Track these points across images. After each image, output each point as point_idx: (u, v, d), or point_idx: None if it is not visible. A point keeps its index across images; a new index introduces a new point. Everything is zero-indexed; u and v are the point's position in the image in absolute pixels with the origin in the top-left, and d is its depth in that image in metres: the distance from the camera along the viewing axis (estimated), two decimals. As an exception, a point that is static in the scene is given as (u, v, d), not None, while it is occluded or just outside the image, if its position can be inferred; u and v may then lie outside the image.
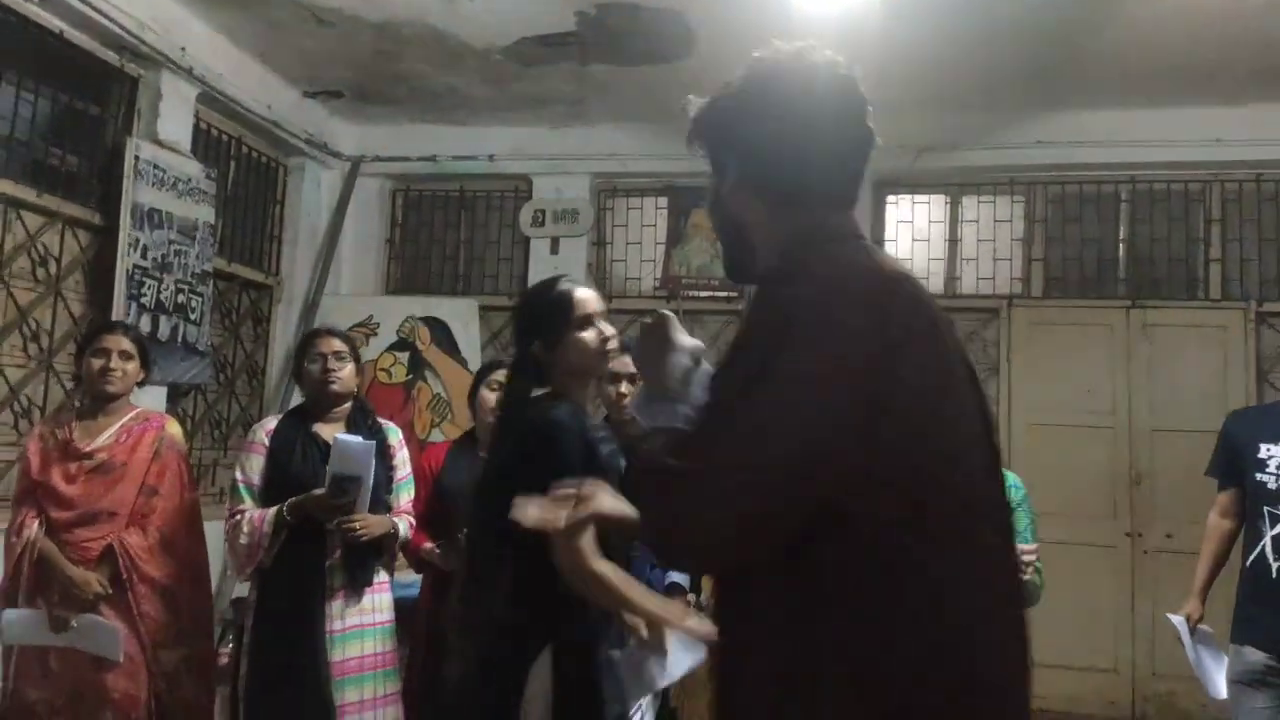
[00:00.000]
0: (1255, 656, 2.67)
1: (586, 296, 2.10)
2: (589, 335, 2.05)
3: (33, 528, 2.57)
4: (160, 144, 4.51)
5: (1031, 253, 5.52)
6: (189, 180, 4.66)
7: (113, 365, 2.76)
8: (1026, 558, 2.02)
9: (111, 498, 2.66)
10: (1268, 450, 2.77)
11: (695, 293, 5.81)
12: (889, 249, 5.62)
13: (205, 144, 5.03)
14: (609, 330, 2.11)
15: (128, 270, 4.30)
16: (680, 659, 1.72)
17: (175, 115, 4.61)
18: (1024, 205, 5.57)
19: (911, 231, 5.66)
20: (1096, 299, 5.39)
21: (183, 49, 4.53)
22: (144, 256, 4.40)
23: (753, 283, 1.26)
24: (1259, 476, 2.77)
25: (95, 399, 2.80)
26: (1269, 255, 5.23)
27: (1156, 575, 4.99)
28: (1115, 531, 5.10)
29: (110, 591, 2.57)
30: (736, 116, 1.26)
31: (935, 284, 5.60)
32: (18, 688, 2.53)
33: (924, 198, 5.68)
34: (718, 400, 1.08)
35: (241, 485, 2.72)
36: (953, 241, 5.64)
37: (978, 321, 5.53)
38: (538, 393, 1.97)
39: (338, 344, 2.82)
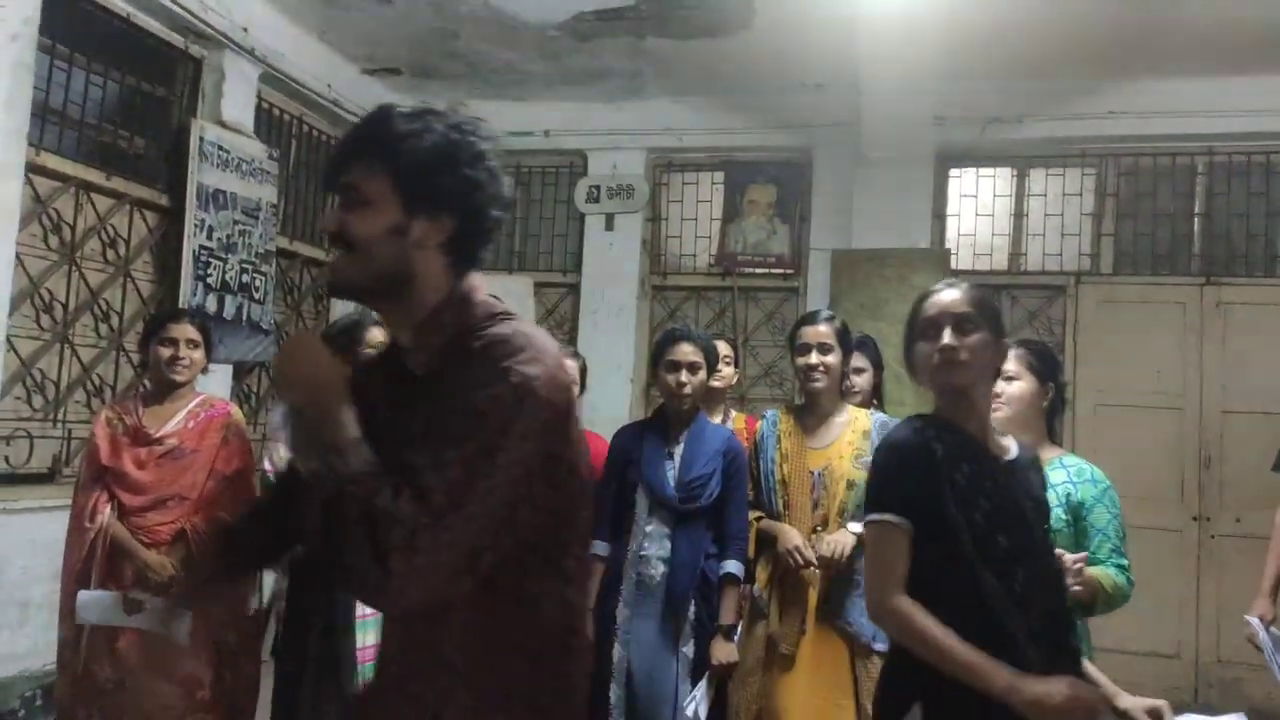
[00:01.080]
0: None
1: None
2: None
3: (105, 512, 2.65)
4: (224, 125, 4.58)
5: (1101, 228, 5.35)
6: (252, 160, 4.72)
7: (180, 354, 2.80)
8: (1073, 566, 1.92)
9: (182, 482, 2.73)
10: None
11: (751, 269, 5.75)
12: (951, 224, 5.50)
13: (267, 124, 5.10)
14: None
15: (194, 251, 4.40)
16: None
17: (238, 96, 4.67)
18: (1095, 178, 5.38)
19: (976, 206, 5.52)
20: (1169, 275, 5.21)
21: (244, 29, 4.58)
22: (209, 237, 4.49)
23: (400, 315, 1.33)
24: None
25: (162, 386, 2.86)
26: (1355, 230, 5.00)
27: (1223, 560, 4.86)
28: (1182, 515, 4.97)
29: (182, 575, 2.64)
30: (446, 161, 1.29)
31: (999, 260, 5.47)
32: (88, 668, 2.62)
33: (989, 171, 5.52)
34: (450, 452, 1.15)
35: (272, 476, 2.75)
36: (1019, 216, 5.49)
37: (1043, 299, 5.39)
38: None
39: (380, 334, 2.83)
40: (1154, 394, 5.10)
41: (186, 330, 2.84)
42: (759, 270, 5.74)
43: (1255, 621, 2.84)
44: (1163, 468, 4.99)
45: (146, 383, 3.20)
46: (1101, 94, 5.06)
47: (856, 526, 2.60)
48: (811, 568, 2.60)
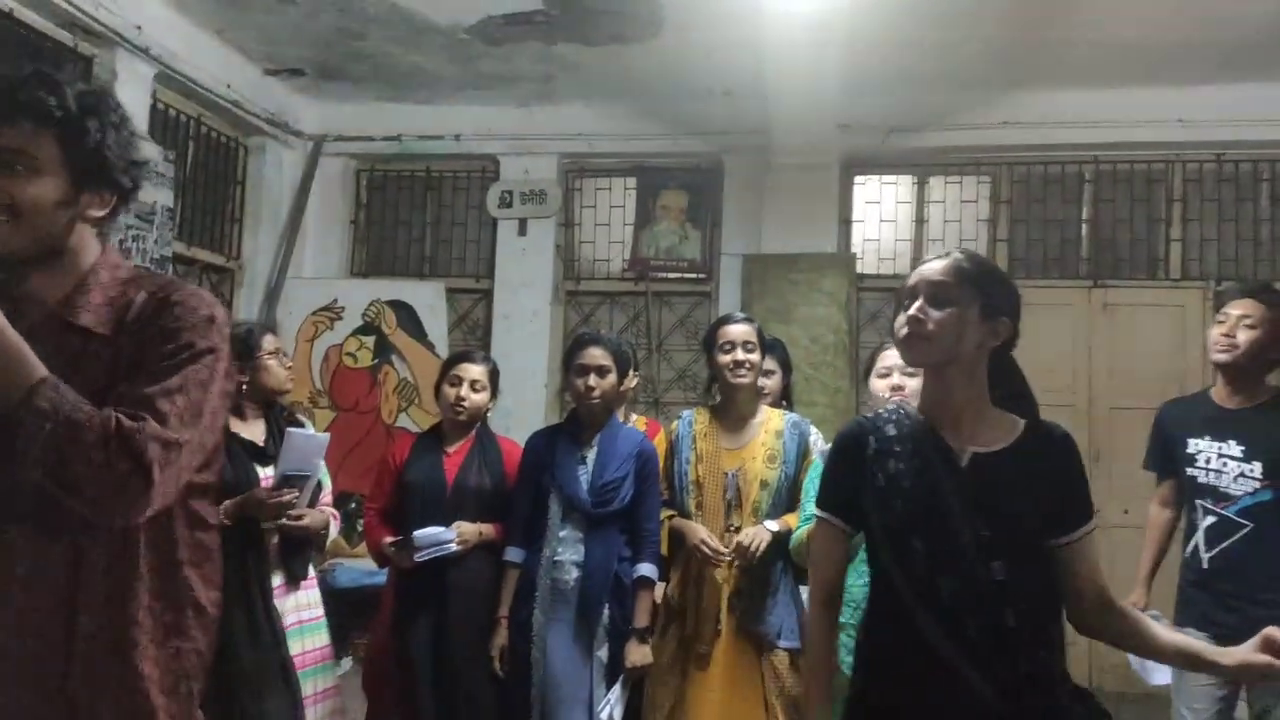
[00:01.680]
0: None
1: None
2: None
3: None
4: (116, 125, 4.39)
5: (996, 233, 5.57)
6: (146, 163, 4.54)
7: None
8: None
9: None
10: (1195, 445, 2.81)
11: (664, 274, 5.80)
12: (857, 230, 5.64)
13: (163, 125, 4.92)
14: None
15: (85, 256, 4.21)
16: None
17: (131, 96, 4.48)
18: (990, 186, 5.60)
19: (879, 212, 5.68)
20: (1059, 279, 5.46)
21: (138, 27, 4.41)
22: (101, 242, 4.30)
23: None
24: (1189, 471, 2.81)
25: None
26: (1228, 235, 5.32)
27: (1113, 551, 5.08)
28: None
29: None
30: (115, 137, 1.41)
31: (902, 264, 5.64)
32: None
33: (892, 178, 5.69)
34: (175, 381, 1.30)
35: None
36: (920, 222, 5.67)
37: (944, 302, 5.57)
38: None
39: (276, 342, 2.83)
40: (1047, 391, 5.17)
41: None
42: (672, 275, 5.80)
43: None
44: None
45: None
46: (996, 106, 5.27)
47: (774, 524, 2.65)
48: (722, 560, 2.63)
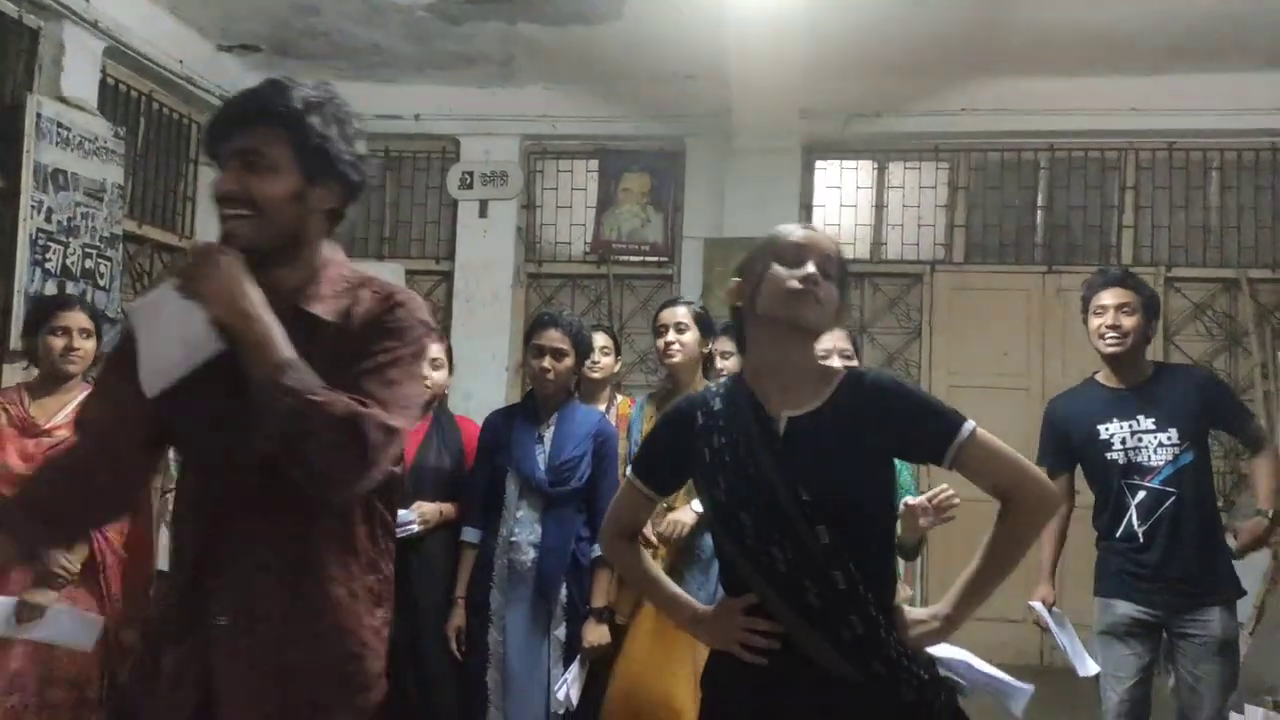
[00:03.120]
0: (1124, 608, 2.83)
1: None
2: None
3: None
4: (64, 101, 4.28)
5: (954, 219, 5.64)
6: (95, 139, 4.44)
7: (75, 344, 2.69)
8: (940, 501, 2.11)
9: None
10: (1106, 430, 2.88)
11: (626, 257, 5.79)
12: (818, 214, 5.68)
13: (113, 100, 4.80)
14: None
15: (31, 234, 4.10)
16: None
17: (80, 70, 4.38)
18: (948, 172, 5.66)
19: (840, 197, 5.72)
20: (1015, 264, 5.54)
21: (87, 0, 4.30)
22: (48, 220, 4.20)
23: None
24: (1108, 456, 2.86)
25: (53, 377, 2.73)
26: (1178, 222, 5.43)
27: (1080, 537, 5.21)
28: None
29: (75, 574, 2.52)
30: (339, 133, 1.51)
31: (862, 249, 5.69)
32: None
33: (852, 163, 5.73)
34: (393, 373, 1.44)
35: (174, 463, 2.67)
36: (879, 207, 5.72)
37: (901, 287, 5.64)
38: None
39: None
40: (1002, 375, 5.41)
41: (79, 319, 2.74)
42: (634, 258, 5.79)
43: (1038, 605, 2.99)
44: (1011, 444, 5.28)
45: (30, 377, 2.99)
46: (954, 92, 5.32)
47: (699, 505, 2.68)
48: (653, 547, 2.67)
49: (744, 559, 1.52)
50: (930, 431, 1.53)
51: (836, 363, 2.42)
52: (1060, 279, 5.42)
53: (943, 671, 1.60)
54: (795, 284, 1.51)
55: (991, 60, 5.03)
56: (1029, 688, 1.72)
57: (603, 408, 3.25)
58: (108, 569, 2.63)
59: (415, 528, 2.81)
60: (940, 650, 1.65)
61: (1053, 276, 5.46)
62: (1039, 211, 5.60)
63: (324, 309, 1.46)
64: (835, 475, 1.49)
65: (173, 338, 1.38)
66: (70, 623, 2.39)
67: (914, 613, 1.56)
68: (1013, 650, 5.20)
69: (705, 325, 2.93)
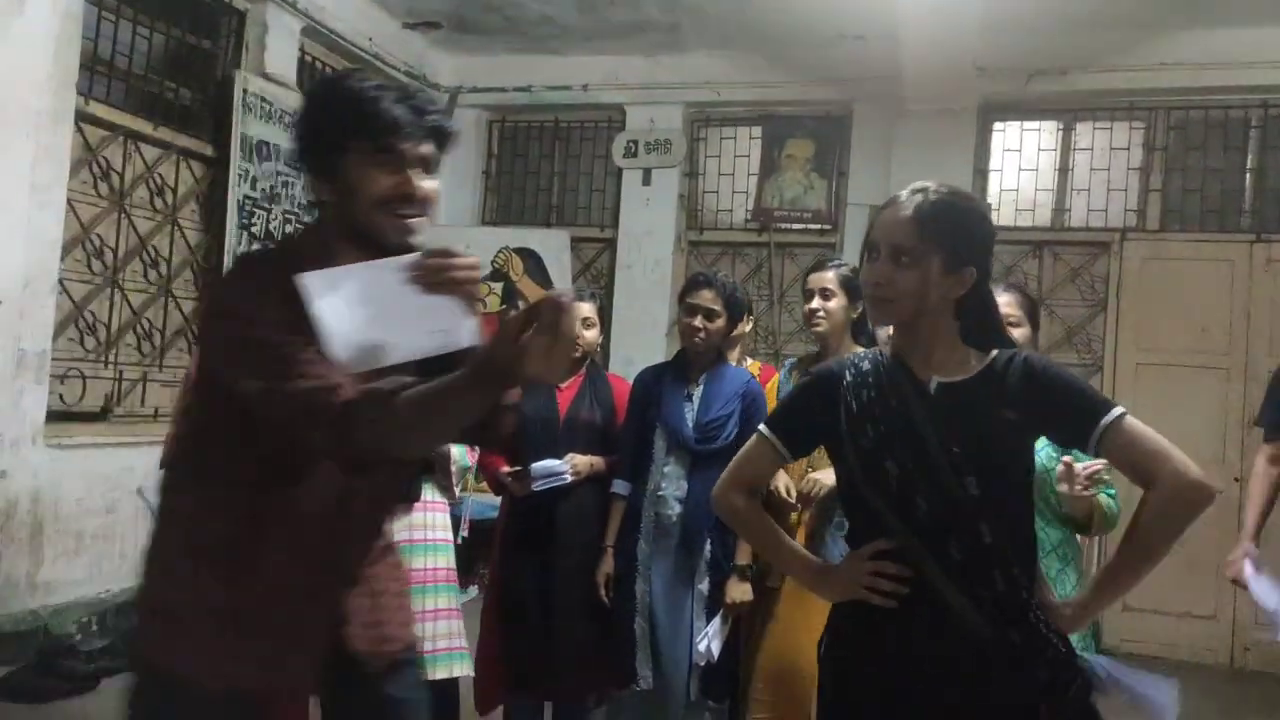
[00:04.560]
0: None
1: None
2: None
3: None
4: (267, 77, 4.67)
5: (1149, 183, 5.22)
6: (294, 113, 4.80)
7: None
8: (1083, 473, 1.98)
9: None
10: None
11: (788, 225, 5.72)
12: (994, 179, 5.40)
13: (310, 77, 5.18)
14: None
15: (238, 201, 4.52)
16: None
17: (280, 48, 4.76)
18: (1143, 132, 5.24)
19: (1019, 160, 5.41)
20: (1217, 232, 5.08)
21: (286, -18, 4.66)
22: (254, 187, 4.60)
23: None
24: None
25: None
26: None
27: (1266, 524, 4.77)
28: (1223, 476, 4.86)
29: None
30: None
31: (1042, 216, 5.37)
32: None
33: (1034, 124, 5.41)
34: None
35: None
36: (1063, 171, 5.37)
37: (1087, 256, 5.29)
38: None
39: None
40: (1198, 353, 4.99)
41: None
42: (795, 226, 5.71)
43: (1245, 563, 2.79)
44: (1205, 428, 4.89)
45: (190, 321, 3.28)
46: (1151, 45, 4.91)
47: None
48: (793, 507, 2.63)
49: (887, 509, 1.51)
50: (1078, 413, 1.50)
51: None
52: (1270, 249, 4.93)
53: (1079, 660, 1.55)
54: (865, 289, 1.57)
55: (1193, 8, 4.61)
56: (1171, 701, 1.60)
57: None
58: None
59: (568, 478, 2.91)
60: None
61: (1261, 246, 4.96)
62: (1248, 174, 5.10)
63: None
64: (985, 433, 1.50)
65: (411, 320, 1.32)
66: None
67: (1049, 599, 1.54)
68: (1200, 648, 4.84)
69: (854, 290, 2.84)
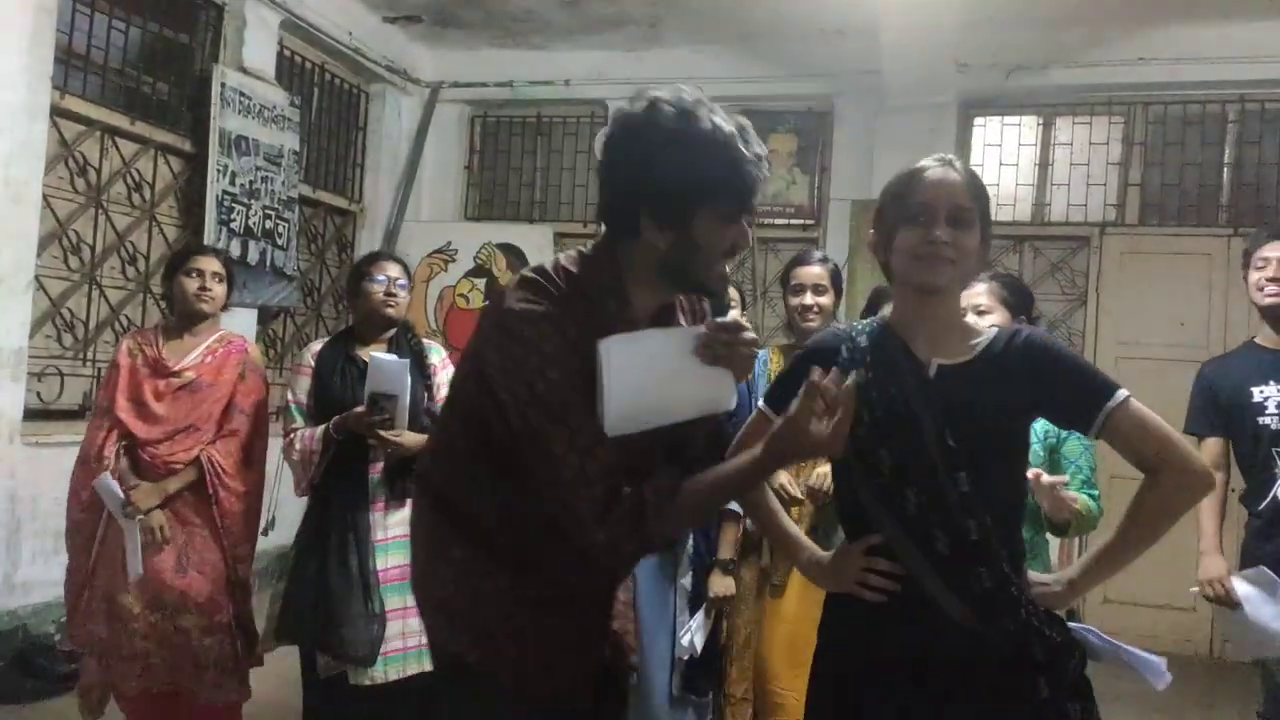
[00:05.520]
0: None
1: None
2: None
3: (110, 455, 2.70)
4: (246, 71, 4.63)
5: (1128, 177, 5.26)
6: (274, 107, 4.78)
7: (207, 285, 2.82)
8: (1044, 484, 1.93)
9: (197, 415, 2.78)
10: (1261, 393, 2.64)
11: (770, 220, 5.73)
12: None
13: (289, 71, 5.15)
14: None
15: (217, 196, 4.48)
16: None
17: (259, 43, 4.72)
18: (1122, 127, 5.28)
19: (999, 155, 5.44)
20: (1196, 226, 5.12)
21: (264, -25, 4.62)
22: (232, 183, 4.57)
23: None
24: (1261, 420, 2.63)
25: (186, 318, 2.88)
26: (1392, 180, 4.87)
27: (1241, 514, 4.82)
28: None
29: (167, 542, 2.69)
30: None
31: (1023, 210, 5.40)
32: (109, 591, 2.72)
33: (1014, 119, 5.44)
34: None
35: (293, 405, 2.80)
36: (1043, 165, 5.41)
37: (1066, 250, 5.32)
38: None
39: (396, 269, 2.88)
40: (1177, 346, 5.03)
41: (212, 263, 2.88)
42: (778, 221, 5.72)
43: (1234, 580, 2.66)
44: (1183, 420, 4.92)
45: (167, 316, 3.24)
46: (1131, 40, 4.94)
47: (824, 468, 2.63)
48: (798, 501, 2.63)
49: (875, 499, 1.48)
50: (1081, 395, 1.47)
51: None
52: (1247, 242, 4.96)
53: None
54: (923, 248, 1.47)
55: (1173, 4, 4.64)
56: (1162, 661, 1.60)
57: None
58: (220, 501, 2.76)
59: None
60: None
61: (1239, 240, 4.98)
62: (1225, 169, 5.14)
63: None
64: (981, 425, 1.45)
65: (685, 387, 1.39)
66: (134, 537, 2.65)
67: (1036, 575, 1.52)
68: (1180, 639, 4.89)
69: (839, 284, 2.86)
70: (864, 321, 1.62)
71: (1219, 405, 2.77)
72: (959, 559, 1.43)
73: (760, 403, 1.67)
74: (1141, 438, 1.45)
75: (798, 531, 1.70)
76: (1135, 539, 1.48)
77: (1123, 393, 1.45)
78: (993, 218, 1.58)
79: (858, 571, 1.49)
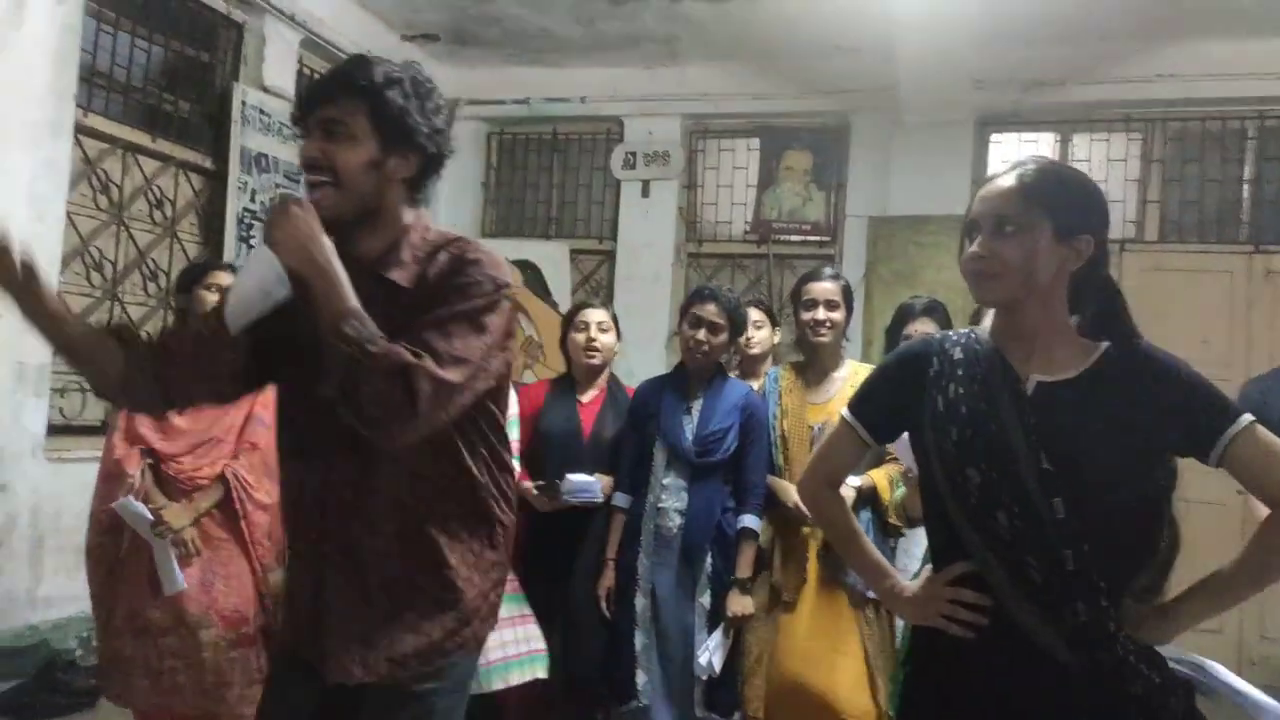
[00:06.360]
0: None
1: None
2: None
3: (135, 473, 2.67)
4: (266, 90, 4.68)
5: (1147, 194, 5.23)
6: (293, 125, 4.81)
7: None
8: None
9: (220, 427, 2.79)
10: None
11: (786, 237, 5.73)
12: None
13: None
14: None
15: (238, 213, 4.52)
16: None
17: (279, 61, 4.76)
18: (1141, 144, 5.26)
19: (1016, 172, 5.42)
20: (1216, 244, 5.09)
21: (285, -5, 4.67)
22: (252, 200, 4.60)
23: None
24: None
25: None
26: None
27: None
28: (1227, 488, 4.79)
29: (199, 553, 2.67)
30: (417, 106, 1.54)
31: (1040, 227, 5.38)
32: (134, 608, 2.70)
33: (1032, 136, 5.42)
34: (454, 327, 1.46)
35: None
36: (1061, 182, 5.38)
37: (1085, 267, 5.29)
38: None
39: (226, 277, 2.86)
40: (1200, 365, 4.85)
41: (228, 278, 2.86)
42: (794, 238, 5.72)
43: None
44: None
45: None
46: (1149, 56, 4.93)
47: (855, 480, 2.61)
48: (809, 520, 2.62)
49: (965, 522, 1.39)
50: (1202, 419, 1.35)
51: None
52: (1270, 259, 4.94)
53: (1175, 667, 1.43)
54: (965, 265, 1.42)
55: (1190, 20, 4.63)
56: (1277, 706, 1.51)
57: (758, 384, 3.21)
58: (248, 515, 2.74)
59: (600, 498, 2.88)
60: (1169, 650, 1.45)
61: (1261, 257, 4.97)
62: (1245, 186, 5.11)
63: (402, 275, 1.52)
64: (1083, 449, 1.34)
65: (253, 282, 1.50)
66: (167, 558, 2.62)
67: (1134, 607, 1.40)
68: None
69: (849, 300, 2.87)
70: (959, 332, 1.53)
71: (1272, 425, 2.72)
72: (1052, 589, 1.34)
73: (845, 412, 1.59)
74: (1266, 467, 1.33)
75: (880, 558, 1.62)
76: (1253, 575, 1.38)
77: (1247, 417, 1.34)
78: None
79: (944, 604, 1.41)
